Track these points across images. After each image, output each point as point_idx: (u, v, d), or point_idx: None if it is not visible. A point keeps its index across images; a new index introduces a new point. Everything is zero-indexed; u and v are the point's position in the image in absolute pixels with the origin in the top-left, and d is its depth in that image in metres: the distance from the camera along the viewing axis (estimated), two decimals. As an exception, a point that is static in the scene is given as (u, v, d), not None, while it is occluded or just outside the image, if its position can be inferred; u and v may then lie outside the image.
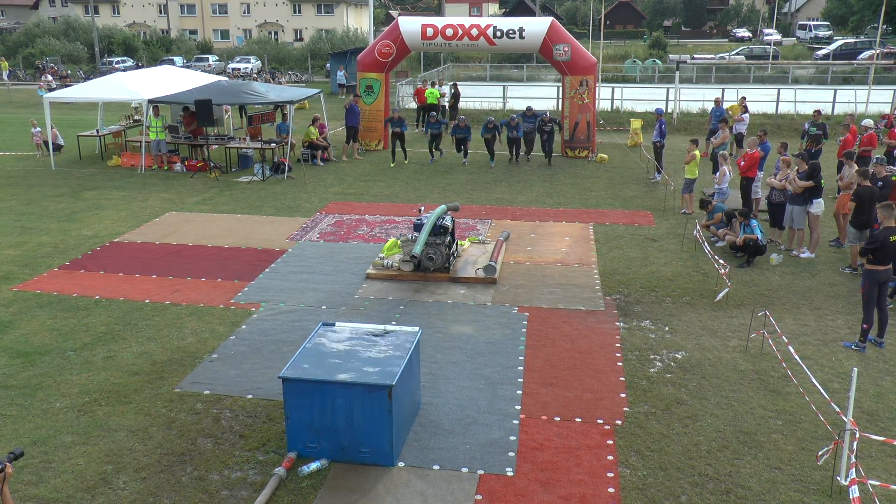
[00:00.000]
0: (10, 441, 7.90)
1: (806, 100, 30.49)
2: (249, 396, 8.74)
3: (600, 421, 8.20)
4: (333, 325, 8.45)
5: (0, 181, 20.40)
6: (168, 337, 10.44)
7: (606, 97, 32.20)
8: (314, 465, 7.27)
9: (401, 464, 7.39)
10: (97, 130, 24.73)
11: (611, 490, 7.02)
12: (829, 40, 66.79)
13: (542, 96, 33.11)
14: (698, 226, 14.51)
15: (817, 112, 20.18)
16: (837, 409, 7.45)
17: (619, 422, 8.19)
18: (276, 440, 7.81)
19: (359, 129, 23.43)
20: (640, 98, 31.60)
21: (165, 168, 21.91)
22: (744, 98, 23.52)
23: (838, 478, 6.99)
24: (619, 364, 9.54)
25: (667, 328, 10.67)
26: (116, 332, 10.64)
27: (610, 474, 7.25)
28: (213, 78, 25.03)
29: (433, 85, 28.88)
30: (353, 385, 7.14)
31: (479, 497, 6.91)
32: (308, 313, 11.15)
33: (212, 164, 21.41)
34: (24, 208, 17.62)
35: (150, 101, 21.52)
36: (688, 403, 8.60)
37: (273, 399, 8.54)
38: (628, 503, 6.85)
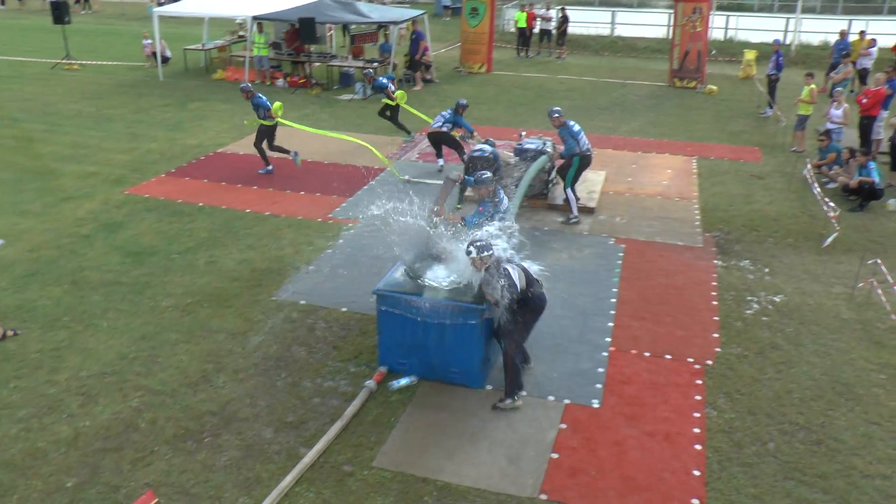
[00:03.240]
0: (123, 333, 8.40)
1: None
2: (343, 309, 8.96)
3: (690, 359, 8.07)
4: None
5: (113, 90, 21.15)
6: (267, 246, 10.76)
7: (720, 26, 30.58)
8: (404, 381, 7.44)
9: (488, 387, 7.47)
10: (203, 44, 25.20)
11: (696, 430, 6.94)
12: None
13: (652, 23, 31.76)
14: (808, 165, 13.82)
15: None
16: (947, 367, 7.11)
17: (709, 362, 8.04)
18: (367, 354, 8.02)
19: (416, 58, 22.26)
20: (757, 28, 29.88)
21: (268, 83, 22.22)
22: (863, 33, 21.90)
23: (941, 436, 6.72)
24: (714, 303, 9.32)
25: (766, 270, 10.31)
26: (218, 238, 11.04)
27: (696, 414, 7.16)
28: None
29: (524, 7, 27.87)
30: (446, 305, 7.20)
31: (563, 426, 6.95)
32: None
33: (313, 81, 21.57)
34: (134, 116, 18.27)
35: (254, 18, 21.72)
36: (783, 349, 8.35)
37: (366, 313, 8.73)
38: (713, 444, 6.77)
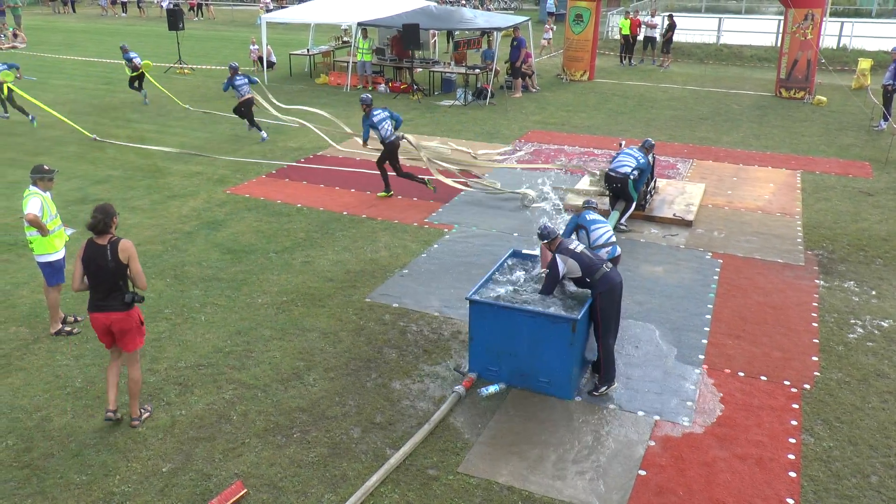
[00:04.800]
0: (219, 328, 8.71)
1: None
2: (435, 314, 9.03)
3: (787, 382, 7.76)
4: (523, 252, 8.49)
5: (219, 93, 21.93)
6: (362, 248, 10.96)
7: (833, 33, 29.36)
8: (492, 388, 7.44)
9: (578, 399, 7.40)
10: (308, 50, 25.93)
11: (791, 457, 6.66)
12: None
13: (760, 30, 30.80)
14: (926, 184, 13.11)
15: None
16: None
17: (807, 386, 7.72)
18: (457, 359, 8.05)
19: (516, 65, 22.13)
20: (874, 35, 28.52)
21: (370, 88, 22.64)
22: None
23: None
24: (815, 325, 8.94)
25: (873, 292, 9.82)
26: (314, 239, 11.31)
27: (792, 440, 6.88)
28: (423, 2, 25.36)
29: (628, 15, 27.39)
30: (538, 315, 7.18)
31: (652, 443, 6.80)
32: (499, 238, 11.26)
33: (415, 87, 21.87)
34: (239, 119, 18.87)
35: (359, 24, 22.19)
36: (889, 377, 7.92)
37: (458, 319, 8.79)
38: (809, 473, 6.48)
